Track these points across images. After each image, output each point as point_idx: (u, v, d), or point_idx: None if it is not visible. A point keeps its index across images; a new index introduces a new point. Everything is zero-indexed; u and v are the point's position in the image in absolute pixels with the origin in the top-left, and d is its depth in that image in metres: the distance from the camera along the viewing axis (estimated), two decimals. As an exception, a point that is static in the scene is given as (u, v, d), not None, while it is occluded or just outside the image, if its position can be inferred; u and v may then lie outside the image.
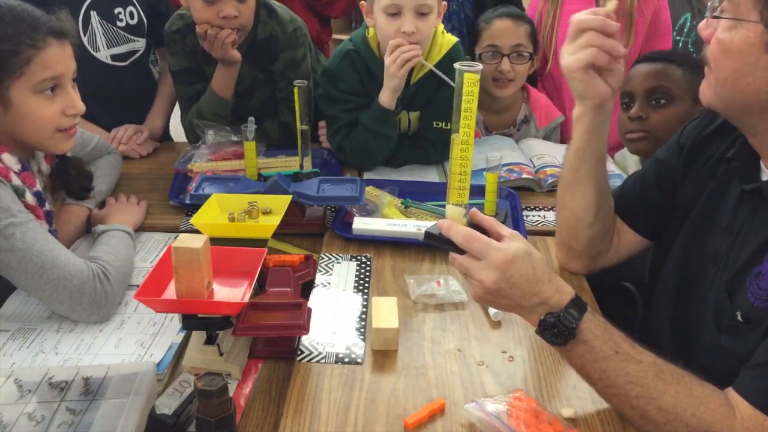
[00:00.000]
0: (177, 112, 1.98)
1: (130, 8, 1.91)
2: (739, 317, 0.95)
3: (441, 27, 1.70)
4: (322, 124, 1.87)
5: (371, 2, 1.63)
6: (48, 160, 1.33)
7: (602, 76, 1.07)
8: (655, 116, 1.57)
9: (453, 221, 0.94)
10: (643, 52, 2.03)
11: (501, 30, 1.91)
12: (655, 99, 1.57)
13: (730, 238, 1.01)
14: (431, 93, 1.72)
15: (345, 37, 1.82)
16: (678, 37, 2.28)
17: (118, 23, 1.90)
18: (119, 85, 1.95)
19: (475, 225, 0.95)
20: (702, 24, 0.97)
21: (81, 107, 1.23)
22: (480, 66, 0.90)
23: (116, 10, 1.89)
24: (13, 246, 1.09)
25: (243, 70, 1.81)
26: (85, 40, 1.84)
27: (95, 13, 1.86)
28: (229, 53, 1.70)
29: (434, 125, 1.74)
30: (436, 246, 0.96)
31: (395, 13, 1.57)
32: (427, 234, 0.96)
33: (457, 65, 0.90)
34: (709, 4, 0.96)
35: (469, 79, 0.89)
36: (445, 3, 1.66)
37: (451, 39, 1.71)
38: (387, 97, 1.63)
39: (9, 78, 1.13)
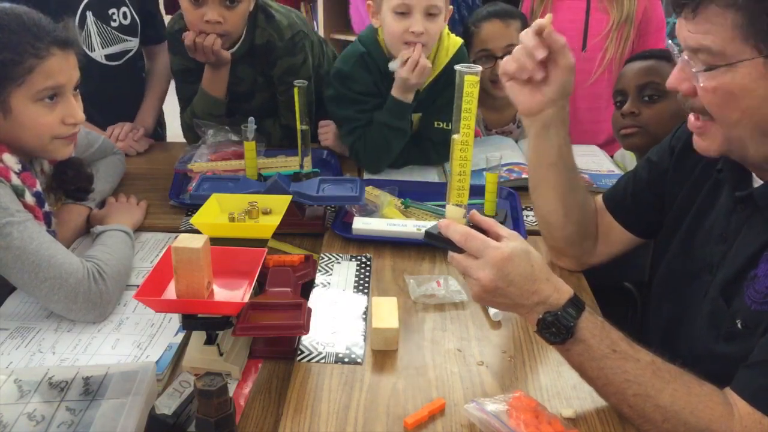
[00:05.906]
0: (175, 111, 1.98)
1: (123, 9, 1.93)
2: (738, 325, 0.94)
3: (446, 29, 1.70)
4: (322, 123, 1.87)
5: (378, 2, 1.61)
6: (51, 161, 1.33)
7: (535, 87, 1.12)
8: (647, 112, 1.59)
9: (452, 221, 0.95)
10: (635, 51, 2.03)
11: (491, 33, 1.89)
12: (647, 95, 1.59)
13: (724, 246, 1.01)
14: (436, 95, 1.72)
15: (344, 37, 1.82)
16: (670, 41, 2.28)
17: (112, 23, 1.91)
18: (113, 84, 1.96)
19: (474, 226, 0.95)
20: (673, 80, 0.94)
21: (81, 117, 1.23)
22: (479, 68, 0.91)
23: (110, 11, 1.90)
24: (10, 244, 1.09)
25: (243, 72, 1.80)
26: (80, 40, 1.85)
27: (91, 13, 1.87)
28: (220, 56, 1.69)
29: (435, 125, 1.74)
30: (436, 245, 0.97)
31: (404, 13, 1.56)
32: (427, 233, 0.97)
33: (457, 67, 0.91)
34: (680, 56, 0.93)
35: (469, 80, 0.90)
36: (451, 7, 1.65)
37: (457, 41, 1.71)
38: (404, 95, 1.62)
39: (10, 86, 1.14)
